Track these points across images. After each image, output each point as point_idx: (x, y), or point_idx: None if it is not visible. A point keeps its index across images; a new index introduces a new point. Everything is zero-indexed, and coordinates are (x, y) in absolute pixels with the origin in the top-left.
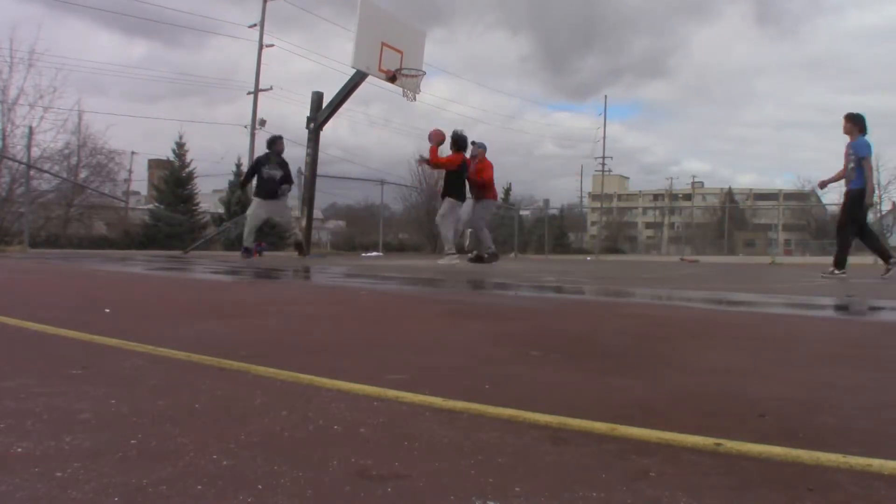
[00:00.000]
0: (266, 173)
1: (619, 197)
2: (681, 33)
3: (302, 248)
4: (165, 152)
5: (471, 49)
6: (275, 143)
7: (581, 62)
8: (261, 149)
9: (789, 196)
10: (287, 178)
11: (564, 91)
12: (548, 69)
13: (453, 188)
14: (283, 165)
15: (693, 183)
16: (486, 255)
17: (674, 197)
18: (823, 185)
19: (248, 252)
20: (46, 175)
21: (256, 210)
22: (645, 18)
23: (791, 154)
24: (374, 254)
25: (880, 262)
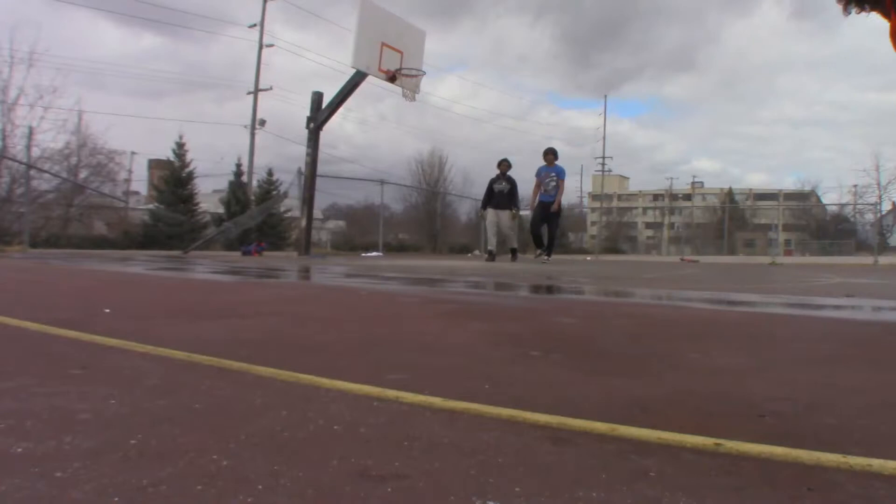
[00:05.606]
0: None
1: (619, 197)
2: (715, 26)
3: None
4: (165, 152)
5: (483, 43)
6: (500, 164)
7: (602, 56)
8: (260, 148)
9: (789, 196)
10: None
11: (581, 86)
12: (566, 63)
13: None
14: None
15: (693, 183)
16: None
17: (674, 197)
18: None
19: (492, 255)
20: (46, 175)
21: (491, 218)
22: (678, 9)
23: (803, 154)
24: (375, 254)
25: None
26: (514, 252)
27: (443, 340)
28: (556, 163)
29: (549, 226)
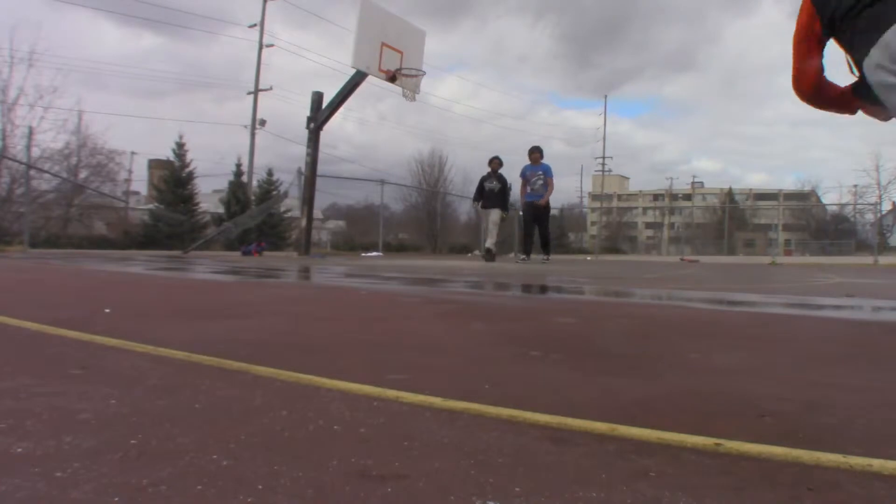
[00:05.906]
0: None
1: (619, 197)
2: (715, 26)
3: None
4: (165, 152)
5: (483, 43)
6: (491, 162)
7: (603, 56)
8: (260, 148)
9: (789, 196)
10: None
11: (581, 86)
12: (566, 63)
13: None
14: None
15: (693, 183)
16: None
17: (674, 197)
18: None
19: (490, 253)
20: (46, 175)
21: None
22: (678, 9)
23: (803, 154)
24: (375, 254)
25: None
26: (488, 252)
27: (443, 340)
28: (542, 161)
29: (539, 227)
